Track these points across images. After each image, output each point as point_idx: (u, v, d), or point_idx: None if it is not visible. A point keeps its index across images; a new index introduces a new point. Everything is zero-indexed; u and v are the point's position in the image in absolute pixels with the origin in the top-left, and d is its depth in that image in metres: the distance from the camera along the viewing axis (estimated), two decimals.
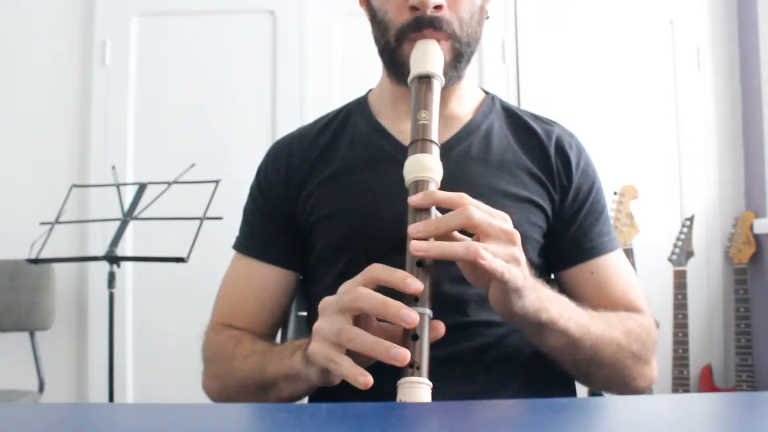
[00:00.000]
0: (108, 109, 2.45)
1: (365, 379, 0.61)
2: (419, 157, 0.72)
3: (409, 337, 0.63)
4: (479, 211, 0.66)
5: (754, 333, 2.26)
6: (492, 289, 0.70)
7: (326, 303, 0.67)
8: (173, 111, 2.47)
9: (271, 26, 2.49)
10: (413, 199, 0.69)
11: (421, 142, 0.74)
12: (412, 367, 0.62)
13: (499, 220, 0.68)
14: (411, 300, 0.64)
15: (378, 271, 0.65)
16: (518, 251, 0.68)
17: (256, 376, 0.81)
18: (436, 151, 0.74)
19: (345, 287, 0.66)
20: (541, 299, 0.73)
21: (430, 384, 0.62)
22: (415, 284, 0.63)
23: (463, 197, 0.68)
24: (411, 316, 0.61)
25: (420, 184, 0.71)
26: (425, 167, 0.71)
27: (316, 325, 0.67)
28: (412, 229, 0.66)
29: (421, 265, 0.66)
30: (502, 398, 0.83)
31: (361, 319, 0.65)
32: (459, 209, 0.66)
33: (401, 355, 0.60)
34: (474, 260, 0.63)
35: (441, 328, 0.66)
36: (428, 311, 0.64)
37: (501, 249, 0.66)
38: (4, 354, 2.36)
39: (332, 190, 0.91)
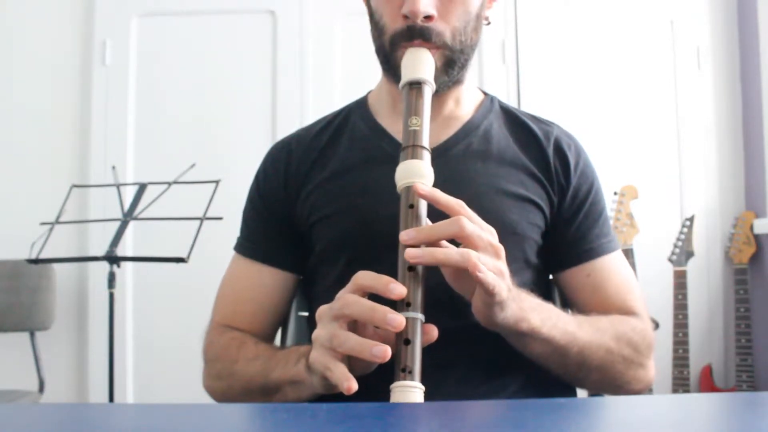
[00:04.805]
0: (108, 109, 2.45)
1: (348, 384, 0.62)
2: (410, 163, 0.73)
3: (401, 341, 0.64)
4: (471, 223, 0.68)
5: (754, 333, 2.26)
6: (475, 299, 0.71)
7: (322, 312, 0.68)
8: (173, 111, 2.47)
9: (271, 26, 2.49)
10: (418, 188, 0.70)
11: (412, 148, 0.74)
12: (405, 372, 0.62)
13: (487, 233, 0.69)
14: (402, 305, 0.65)
15: (364, 278, 0.66)
16: (503, 265, 0.70)
17: (260, 380, 0.81)
18: (427, 156, 0.74)
19: (339, 295, 0.67)
20: (523, 309, 0.74)
21: (422, 388, 0.62)
22: (398, 289, 0.64)
23: (461, 207, 0.69)
24: (396, 320, 0.62)
25: (411, 190, 0.71)
26: (416, 173, 0.72)
27: (315, 334, 0.68)
28: (404, 235, 0.67)
29: (413, 269, 0.67)
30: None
31: (358, 326, 0.66)
32: (452, 219, 0.68)
33: (381, 351, 0.61)
34: (472, 272, 0.65)
35: (434, 332, 0.66)
36: (420, 316, 0.65)
37: (489, 261, 0.68)
38: (4, 354, 2.36)
39: (331, 190, 0.91)
